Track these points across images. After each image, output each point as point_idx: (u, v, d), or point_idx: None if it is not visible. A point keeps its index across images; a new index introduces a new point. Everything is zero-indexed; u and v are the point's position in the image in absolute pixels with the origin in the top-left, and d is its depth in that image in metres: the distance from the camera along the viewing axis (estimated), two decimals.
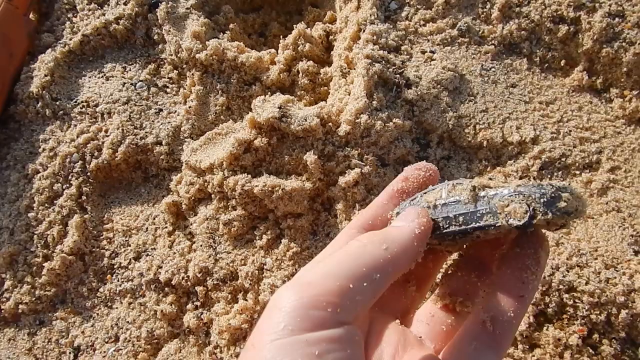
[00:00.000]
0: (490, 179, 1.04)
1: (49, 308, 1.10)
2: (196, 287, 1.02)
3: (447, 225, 0.53)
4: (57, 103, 1.23)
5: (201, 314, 1.01)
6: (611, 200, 1.01)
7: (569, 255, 0.93)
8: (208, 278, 1.02)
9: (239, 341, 0.97)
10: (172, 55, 1.26)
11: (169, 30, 1.26)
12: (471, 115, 1.09)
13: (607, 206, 1.00)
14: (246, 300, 0.99)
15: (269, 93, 1.15)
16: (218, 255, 1.04)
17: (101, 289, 1.09)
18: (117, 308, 1.07)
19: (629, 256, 0.94)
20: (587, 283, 0.89)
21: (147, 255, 1.10)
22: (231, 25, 1.31)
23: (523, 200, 0.48)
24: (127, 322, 1.05)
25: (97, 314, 1.08)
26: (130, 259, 1.10)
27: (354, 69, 1.12)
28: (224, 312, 0.99)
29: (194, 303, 1.03)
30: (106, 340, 1.05)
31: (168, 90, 1.26)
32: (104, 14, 1.33)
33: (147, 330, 1.03)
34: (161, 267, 1.06)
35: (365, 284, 0.45)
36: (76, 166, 1.16)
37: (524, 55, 1.18)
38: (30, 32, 1.34)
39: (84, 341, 1.06)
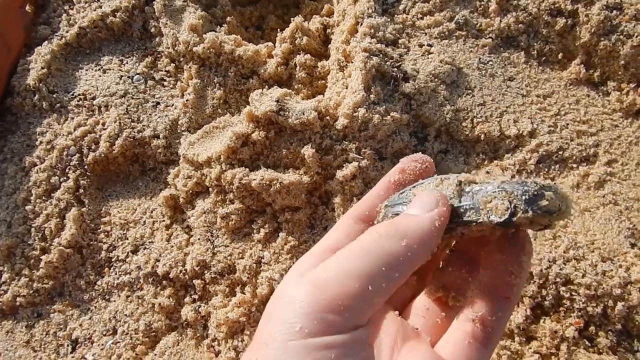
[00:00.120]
0: (487, 172, 1.04)
1: (47, 301, 1.10)
2: (194, 281, 1.02)
3: None
4: (54, 96, 1.23)
5: (199, 307, 1.02)
6: (608, 193, 1.01)
7: (565, 248, 0.93)
8: (206, 271, 1.02)
9: (236, 334, 0.97)
10: (169, 48, 1.25)
11: (166, 23, 1.25)
12: (469, 109, 1.09)
13: (604, 199, 1.01)
14: (244, 293, 0.99)
15: (267, 86, 1.15)
16: (216, 248, 1.04)
17: (99, 282, 1.09)
18: (115, 301, 1.08)
19: (625, 249, 0.94)
20: (583, 276, 0.90)
21: (145, 248, 1.10)
22: (228, 18, 1.31)
23: (505, 197, 0.46)
24: (125, 315, 1.05)
25: (95, 307, 1.08)
26: (128, 252, 1.10)
27: (352, 62, 1.12)
28: (222, 305, 0.99)
29: (192, 296, 1.03)
30: (104, 333, 1.05)
31: (165, 83, 1.26)
32: (100, 7, 1.32)
33: (145, 323, 1.04)
34: (159, 261, 1.06)
35: (383, 285, 0.44)
36: (73, 159, 1.16)
37: (522, 48, 1.18)
38: (26, 24, 1.33)
39: (82, 334, 1.06)
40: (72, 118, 1.20)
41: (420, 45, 1.16)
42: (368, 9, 1.16)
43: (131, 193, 1.18)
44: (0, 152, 1.23)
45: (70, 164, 1.16)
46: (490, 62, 1.15)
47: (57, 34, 1.31)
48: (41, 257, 1.10)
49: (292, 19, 1.22)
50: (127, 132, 1.16)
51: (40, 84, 1.23)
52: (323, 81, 1.20)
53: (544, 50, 1.17)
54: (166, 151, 1.16)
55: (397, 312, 0.56)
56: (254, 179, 1.00)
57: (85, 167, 1.16)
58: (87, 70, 1.27)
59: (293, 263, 0.99)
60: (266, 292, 0.97)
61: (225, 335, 0.97)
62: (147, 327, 1.04)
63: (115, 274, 1.09)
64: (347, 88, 1.09)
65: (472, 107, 1.09)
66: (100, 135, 1.17)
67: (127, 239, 1.12)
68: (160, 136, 1.17)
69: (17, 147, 1.21)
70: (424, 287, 0.60)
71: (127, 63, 1.28)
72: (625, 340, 0.89)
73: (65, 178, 1.15)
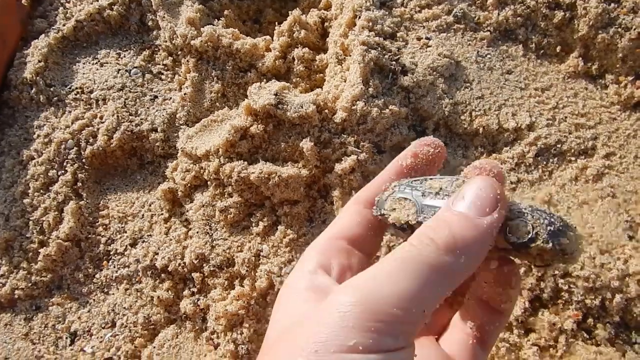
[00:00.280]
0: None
1: (45, 294, 1.10)
2: (193, 274, 1.02)
3: None
4: (51, 89, 1.22)
5: (198, 300, 1.02)
6: (606, 186, 1.01)
7: None
8: (204, 264, 1.02)
9: (235, 327, 0.98)
10: (166, 41, 1.25)
11: (164, 17, 1.25)
12: (467, 102, 1.09)
13: (602, 192, 1.01)
14: (243, 286, 0.99)
15: (265, 80, 1.15)
16: (214, 241, 1.04)
17: (97, 275, 1.09)
18: (113, 294, 1.08)
19: (623, 241, 0.95)
20: (582, 268, 0.90)
21: (143, 241, 1.10)
22: (226, 12, 1.30)
23: (530, 220, 0.45)
24: (124, 308, 1.06)
25: (94, 299, 1.08)
26: (126, 246, 1.10)
27: (350, 55, 1.11)
28: (221, 298, 1.00)
29: (191, 289, 1.03)
30: (103, 326, 1.05)
31: (163, 77, 1.26)
32: (97, 0, 1.32)
33: (144, 316, 1.04)
34: (157, 254, 1.06)
35: (437, 306, 0.42)
36: (71, 153, 1.15)
37: (520, 41, 1.17)
38: (23, 18, 1.32)
39: (81, 327, 1.06)
40: (70, 111, 1.20)
41: (419, 39, 1.16)
42: (366, 2, 1.16)
43: (129, 186, 1.18)
44: None
45: (68, 157, 1.15)
46: (489, 55, 1.15)
47: (54, 27, 1.31)
48: (39, 250, 1.10)
49: (290, 12, 1.21)
50: (125, 126, 1.16)
51: (38, 78, 1.23)
52: (321, 74, 1.19)
53: (542, 43, 1.17)
54: (164, 145, 1.16)
55: (434, 338, 0.58)
56: (253, 173, 1.00)
57: (83, 160, 1.16)
58: (84, 63, 1.27)
59: (292, 256, 0.99)
60: (265, 285, 0.97)
61: (224, 328, 0.98)
62: (146, 319, 1.04)
63: (114, 267, 1.09)
64: (345, 81, 1.08)
65: (471, 100, 1.09)
66: (98, 129, 1.16)
67: (126, 232, 1.11)
68: (158, 130, 1.16)
69: (14, 140, 1.21)
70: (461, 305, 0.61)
71: (124, 56, 1.27)
72: (623, 332, 0.89)
73: (63, 171, 1.15)
